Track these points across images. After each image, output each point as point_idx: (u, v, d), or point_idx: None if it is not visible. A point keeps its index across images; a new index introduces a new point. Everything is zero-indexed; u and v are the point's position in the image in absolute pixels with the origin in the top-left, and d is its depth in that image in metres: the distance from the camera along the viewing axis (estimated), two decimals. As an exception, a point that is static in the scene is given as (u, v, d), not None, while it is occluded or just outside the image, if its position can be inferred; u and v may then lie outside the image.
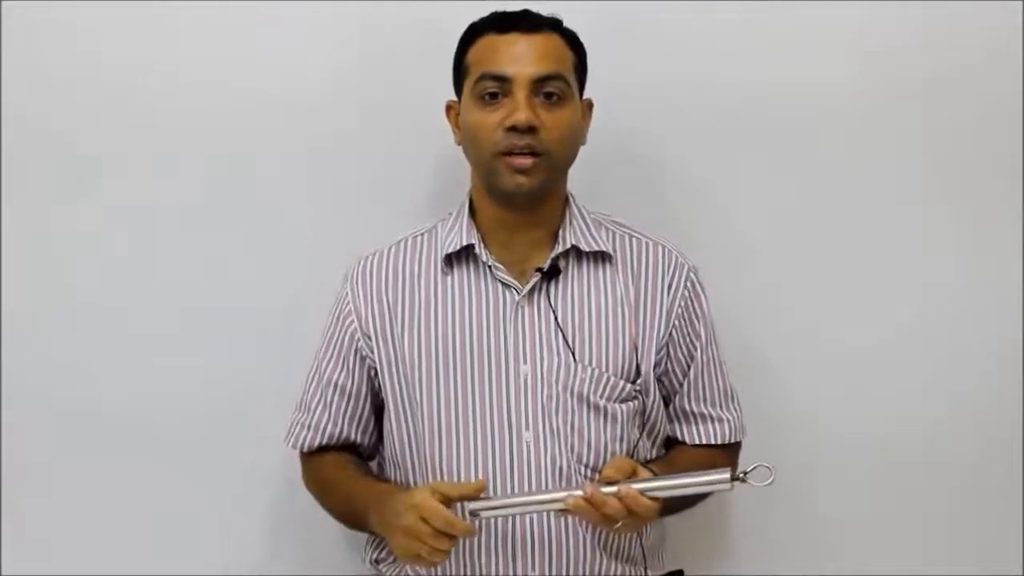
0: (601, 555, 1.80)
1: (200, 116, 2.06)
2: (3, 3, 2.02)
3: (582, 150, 1.86)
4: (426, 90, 1.94)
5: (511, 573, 1.76)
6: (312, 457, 1.92)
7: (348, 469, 1.88)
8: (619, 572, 1.82)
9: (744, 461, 1.92)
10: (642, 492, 1.64)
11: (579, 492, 1.64)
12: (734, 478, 1.63)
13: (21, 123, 2.04)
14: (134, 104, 2.06)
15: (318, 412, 1.89)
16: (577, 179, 1.89)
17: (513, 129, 1.75)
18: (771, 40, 2.13)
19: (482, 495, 1.69)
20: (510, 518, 1.75)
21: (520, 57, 1.77)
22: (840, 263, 2.18)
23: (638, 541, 1.84)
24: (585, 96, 1.86)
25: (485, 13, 1.84)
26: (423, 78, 1.98)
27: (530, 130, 1.75)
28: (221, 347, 2.08)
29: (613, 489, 1.64)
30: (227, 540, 2.09)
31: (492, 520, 1.74)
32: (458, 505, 1.69)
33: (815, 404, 2.18)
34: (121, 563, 2.06)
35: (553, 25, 1.82)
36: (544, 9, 1.82)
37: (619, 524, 1.66)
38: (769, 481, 1.65)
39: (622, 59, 2.07)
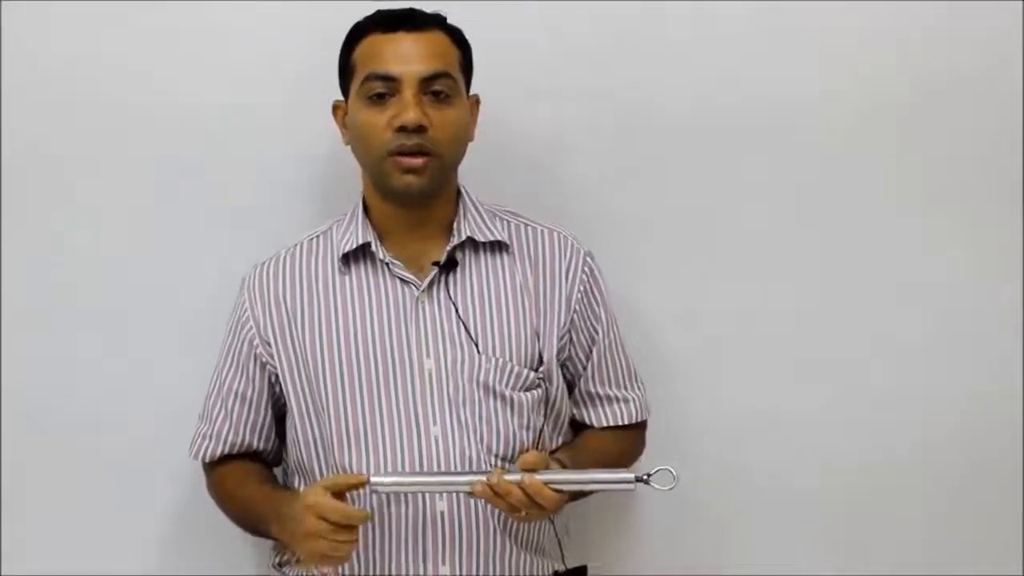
0: (512, 546, 1.80)
1: (200, 118, 2.08)
2: (3, 3, 2.02)
3: (488, 144, 1.89)
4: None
5: (421, 568, 1.77)
6: (214, 467, 1.92)
7: (249, 479, 1.89)
8: (527, 562, 1.83)
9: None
10: (546, 483, 1.66)
11: (484, 477, 1.66)
12: (638, 479, 1.66)
13: (20, 124, 2.04)
14: (134, 105, 2.07)
15: (219, 421, 1.89)
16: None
17: (402, 129, 1.75)
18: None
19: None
20: (420, 512, 1.76)
21: (407, 56, 1.77)
22: (833, 266, 2.19)
23: (551, 530, 1.86)
24: (474, 91, 1.88)
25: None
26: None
27: (419, 129, 1.75)
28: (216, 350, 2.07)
29: (517, 478, 1.66)
30: (228, 540, 2.09)
31: (401, 515, 1.76)
32: (359, 499, 1.73)
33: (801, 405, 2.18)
34: (122, 563, 2.09)
35: (438, 23, 1.82)
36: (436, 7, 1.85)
37: (523, 513, 1.67)
38: (671, 486, 1.67)
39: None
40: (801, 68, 2.15)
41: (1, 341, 2.05)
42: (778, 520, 2.19)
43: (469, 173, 1.89)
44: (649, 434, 2.01)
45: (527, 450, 1.79)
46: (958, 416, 2.20)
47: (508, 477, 1.65)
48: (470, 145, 1.87)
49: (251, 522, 1.87)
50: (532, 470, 1.66)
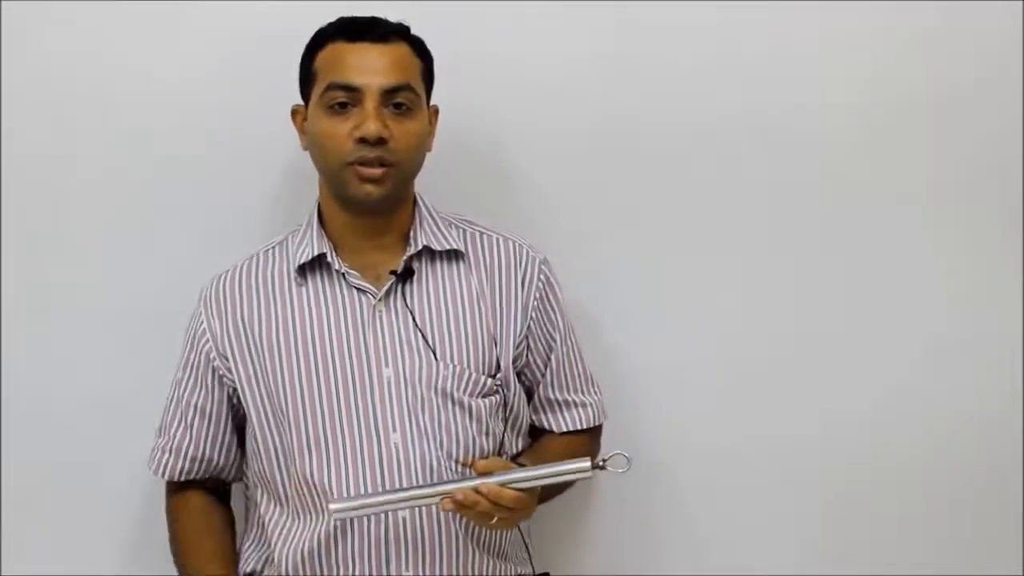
0: (475, 550, 1.80)
1: (200, 119, 2.08)
2: (3, 3, 2.02)
3: (449, 154, 1.91)
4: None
5: (385, 572, 1.76)
6: (177, 494, 1.92)
7: (200, 531, 1.88)
8: (492, 567, 1.83)
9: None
10: (503, 485, 1.67)
11: (449, 486, 1.68)
12: (594, 466, 1.68)
13: (20, 124, 2.04)
14: (134, 105, 2.07)
15: (179, 435, 1.89)
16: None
17: (363, 141, 1.75)
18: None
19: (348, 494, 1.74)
20: (383, 518, 1.76)
21: (370, 67, 1.78)
22: (831, 267, 2.18)
23: (516, 535, 1.87)
24: (434, 102, 1.89)
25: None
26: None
27: (380, 142, 1.75)
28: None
29: (473, 483, 1.67)
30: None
31: (364, 522, 1.76)
32: (322, 508, 1.75)
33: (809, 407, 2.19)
34: (123, 562, 2.09)
35: (401, 33, 1.83)
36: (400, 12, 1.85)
37: (495, 520, 1.68)
38: (626, 469, 1.70)
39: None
40: (797, 72, 2.15)
41: (1, 341, 2.05)
42: (772, 522, 2.19)
43: (438, 180, 1.91)
44: (630, 435, 2.02)
45: (487, 455, 1.81)
46: (958, 416, 2.19)
47: (464, 484, 1.67)
48: (439, 153, 1.89)
49: (185, 571, 1.87)
50: (487, 475, 1.69)
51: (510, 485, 1.67)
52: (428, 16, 1.89)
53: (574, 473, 1.70)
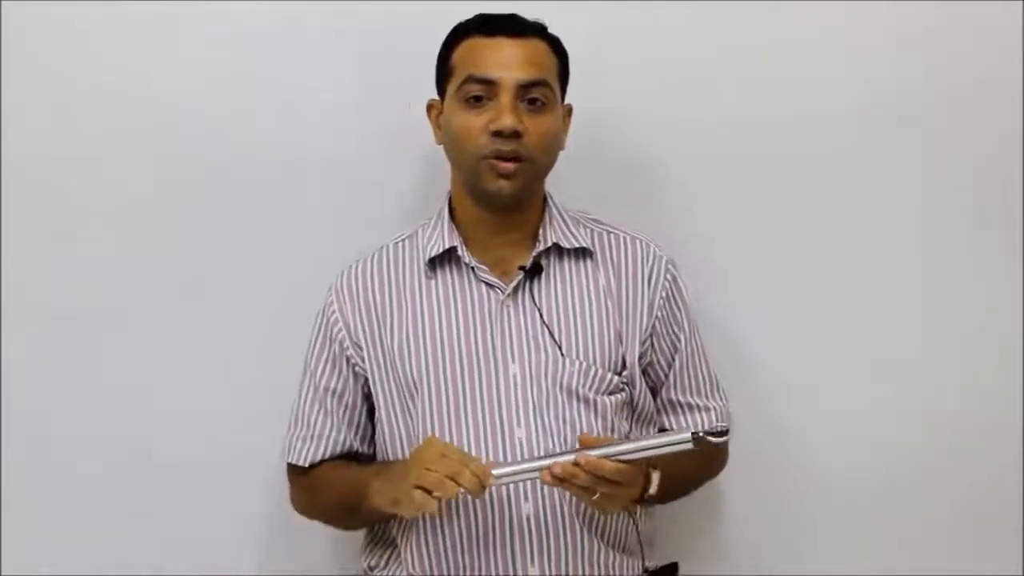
0: (599, 544, 1.79)
1: (198, 117, 2.06)
2: (3, 3, 2.02)
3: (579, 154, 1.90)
4: (409, 91, 1.94)
5: (511, 569, 1.76)
6: (309, 471, 1.90)
7: (348, 466, 1.87)
8: (616, 561, 1.82)
9: (743, 466, 2.00)
10: (604, 457, 1.64)
11: (547, 460, 1.65)
12: (695, 437, 1.65)
13: (20, 124, 2.03)
14: (134, 105, 2.05)
15: (319, 423, 1.88)
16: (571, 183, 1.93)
17: (498, 134, 1.75)
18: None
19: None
20: (507, 515, 1.74)
21: (506, 61, 1.78)
22: (831, 272, 2.18)
23: (634, 529, 1.84)
24: (568, 101, 1.88)
25: (465, 14, 1.85)
26: (406, 78, 1.97)
27: (515, 135, 1.75)
28: (217, 351, 2.07)
29: (571, 457, 1.65)
30: (224, 541, 2.09)
31: (489, 518, 1.75)
32: (443, 504, 1.69)
33: (814, 406, 2.18)
34: (122, 562, 2.07)
35: (538, 30, 1.83)
36: (531, 13, 1.84)
37: (597, 496, 1.65)
38: (726, 438, 1.68)
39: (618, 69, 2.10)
40: (797, 73, 2.15)
41: (1, 341, 2.05)
42: (765, 519, 2.19)
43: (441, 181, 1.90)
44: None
45: None
46: (958, 416, 2.20)
47: (563, 458, 1.65)
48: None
49: (350, 499, 1.81)
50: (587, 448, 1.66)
51: (609, 457, 1.64)
52: (427, 16, 1.89)
53: (675, 444, 1.65)
